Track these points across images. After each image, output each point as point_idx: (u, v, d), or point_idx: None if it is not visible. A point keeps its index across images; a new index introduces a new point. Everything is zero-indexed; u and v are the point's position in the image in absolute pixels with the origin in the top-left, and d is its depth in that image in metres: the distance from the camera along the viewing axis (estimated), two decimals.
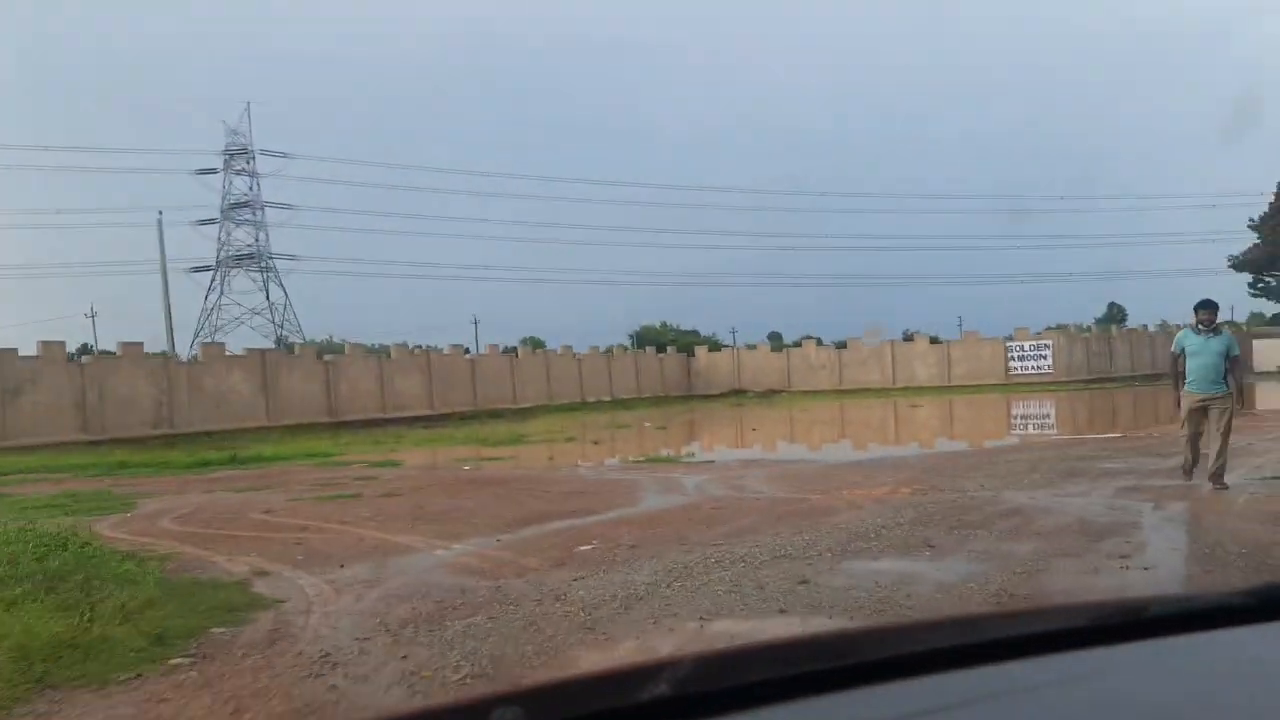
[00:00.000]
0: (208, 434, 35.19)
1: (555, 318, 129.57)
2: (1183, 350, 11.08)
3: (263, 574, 8.84)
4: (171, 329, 48.20)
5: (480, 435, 33.54)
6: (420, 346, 49.35)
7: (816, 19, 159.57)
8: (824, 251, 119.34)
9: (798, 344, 67.49)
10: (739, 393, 63.05)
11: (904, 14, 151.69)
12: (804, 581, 7.02)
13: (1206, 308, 11.06)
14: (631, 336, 75.53)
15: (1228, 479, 11.53)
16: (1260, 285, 76.68)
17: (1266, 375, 58.31)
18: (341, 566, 9.03)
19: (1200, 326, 10.98)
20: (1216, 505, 10.09)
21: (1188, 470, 11.47)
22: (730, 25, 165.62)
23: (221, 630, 6.67)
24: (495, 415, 47.17)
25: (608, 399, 57.18)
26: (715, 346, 71.42)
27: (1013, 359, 58.50)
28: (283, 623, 6.92)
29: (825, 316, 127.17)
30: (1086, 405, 38.34)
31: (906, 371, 60.74)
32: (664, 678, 1.08)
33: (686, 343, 72.01)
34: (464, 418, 46.34)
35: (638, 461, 20.74)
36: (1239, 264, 76.19)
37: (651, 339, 73.31)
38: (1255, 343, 64.07)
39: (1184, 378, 11.03)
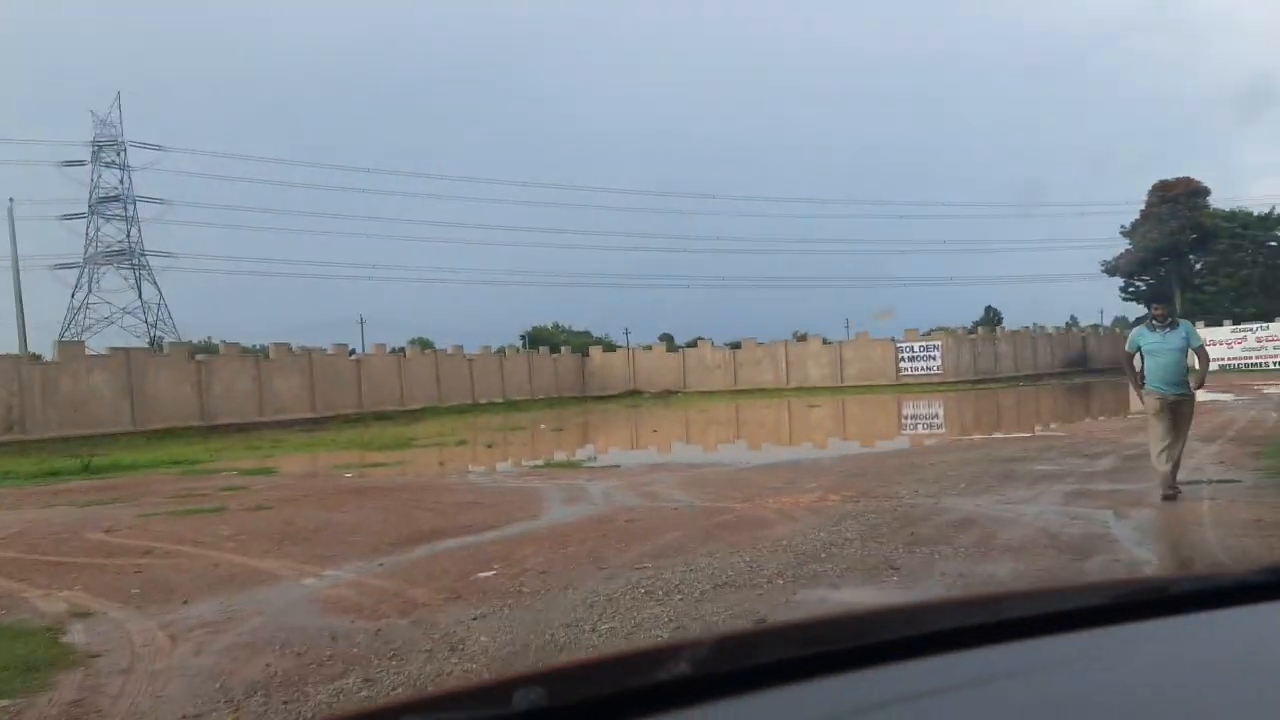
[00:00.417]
0: (64, 440, 32.17)
1: (446, 319, 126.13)
2: (1138, 349, 10.01)
3: (83, 615, 7.10)
4: (24, 327, 44.31)
5: (365, 439, 31.46)
6: (303, 347, 46.54)
7: (709, 21, 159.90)
8: (715, 253, 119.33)
9: (692, 344, 66.70)
10: (635, 394, 61.92)
11: (793, 21, 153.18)
12: (761, 620, 5.69)
13: (1161, 302, 10.35)
14: (523, 337, 73.63)
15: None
16: (1131, 289, 79.33)
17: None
18: (185, 603, 7.36)
19: (1154, 323, 10.00)
20: (1183, 514, 9.19)
21: (1171, 485, 9.80)
22: (626, 26, 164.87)
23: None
24: (382, 418, 44.88)
25: (500, 400, 55.29)
26: (609, 347, 70.06)
27: (903, 359, 58.85)
28: (90, 690, 5.26)
29: (716, 318, 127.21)
30: (982, 404, 38.35)
31: (800, 372, 60.59)
32: (685, 657, 1.08)
33: (580, 344, 70.47)
34: (348, 421, 43.95)
35: (536, 467, 19.24)
36: (1111, 269, 78.75)
37: (543, 340, 71.53)
38: None
39: (1144, 378, 10.01)
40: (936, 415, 33.90)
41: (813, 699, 1.08)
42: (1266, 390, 37.31)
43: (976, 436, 21.32)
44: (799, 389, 58.27)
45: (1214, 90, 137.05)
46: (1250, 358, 59.01)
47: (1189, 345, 9.86)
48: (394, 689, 4.89)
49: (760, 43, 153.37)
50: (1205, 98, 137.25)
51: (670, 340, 71.47)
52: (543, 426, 35.42)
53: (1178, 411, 9.80)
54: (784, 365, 61.12)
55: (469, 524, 11.09)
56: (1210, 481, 11.02)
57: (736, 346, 63.61)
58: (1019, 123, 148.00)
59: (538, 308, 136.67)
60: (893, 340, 59.47)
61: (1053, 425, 24.76)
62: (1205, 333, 62.58)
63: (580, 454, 22.76)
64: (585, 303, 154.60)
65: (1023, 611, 1.34)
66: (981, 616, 1.31)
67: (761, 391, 58.34)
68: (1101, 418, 27.20)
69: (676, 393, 60.91)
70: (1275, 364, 57.59)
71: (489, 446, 26.76)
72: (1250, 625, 1.36)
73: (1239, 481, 10.77)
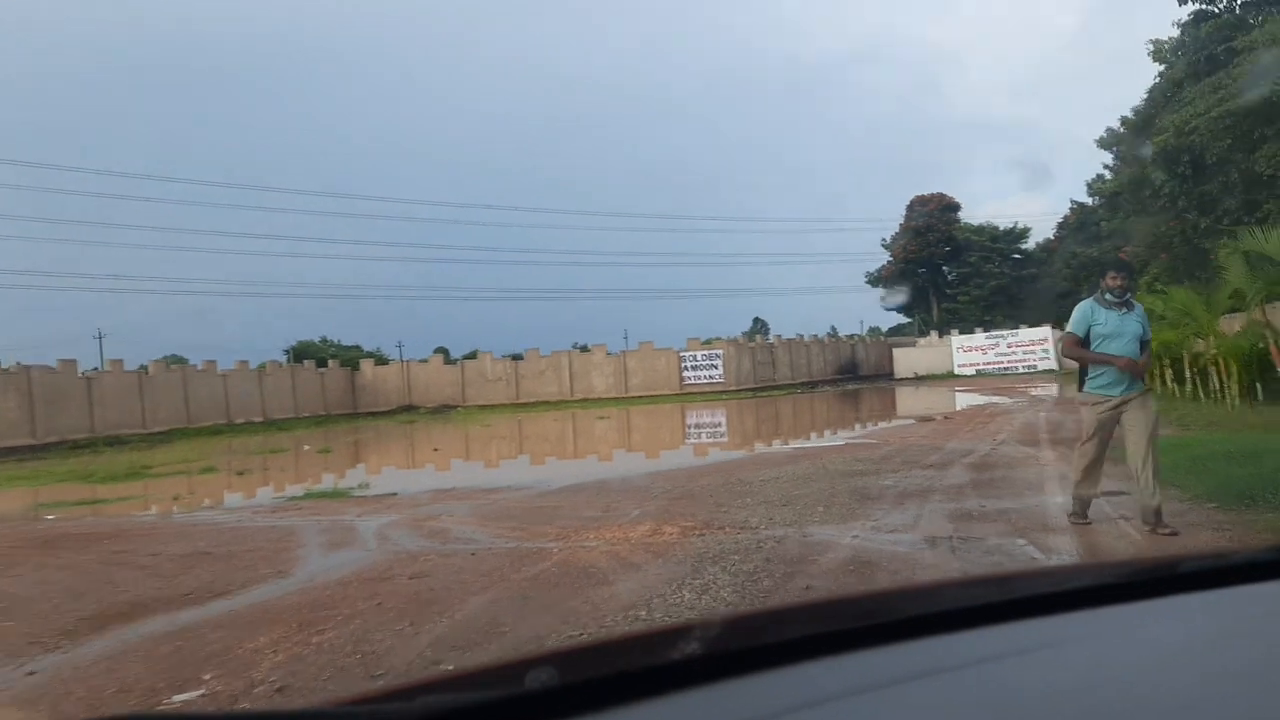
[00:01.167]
0: None
1: (204, 334, 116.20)
2: (1088, 331, 7.57)
3: None
4: None
5: (91, 469, 26.63)
6: (20, 364, 40.01)
7: (493, 36, 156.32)
8: (493, 265, 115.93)
9: (471, 356, 63.43)
10: (410, 409, 58.04)
11: (583, 32, 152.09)
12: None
13: (1121, 270, 7.79)
14: (287, 352, 67.79)
15: (1060, 499, 9.15)
16: (891, 299, 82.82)
17: (906, 381, 62.18)
18: None
19: (1110, 297, 7.56)
20: (1112, 538, 7.47)
21: (1081, 510, 7.94)
22: (406, 33, 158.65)
23: None
24: (118, 443, 39.16)
25: (260, 420, 50.13)
26: (381, 361, 65.60)
27: (686, 369, 58.17)
28: None
29: (496, 331, 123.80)
30: (773, 411, 37.55)
31: (584, 383, 58.73)
32: (696, 636, 1.08)
33: (350, 358, 65.54)
34: (76, 446, 38.06)
35: (295, 498, 15.93)
36: (873, 280, 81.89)
37: (310, 355, 66.05)
38: (895, 351, 68.61)
39: (1083, 375, 7.80)
40: (735, 423, 32.64)
41: (823, 676, 1.09)
42: (1033, 392, 38.58)
43: (791, 446, 19.76)
44: (584, 400, 56.39)
45: (965, 117, 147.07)
46: (1003, 362, 62.34)
47: (1145, 335, 7.59)
48: None
49: (541, 60, 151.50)
50: (958, 123, 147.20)
51: (447, 354, 67.83)
52: (306, 447, 31.48)
53: (1130, 413, 7.49)
54: (568, 376, 59.09)
55: (190, 589, 8.03)
56: (1110, 494, 9.41)
57: (519, 358, 60.96)
58: (787, 141, 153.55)
59: (305, 322, 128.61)
60: (676, 350, 58.67)
61: (856, 431, 23.76)
62: (962, 339, 66.07)
63: (350, 479, 19.51)
64: (356, 316, 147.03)
65: (1032, 590, 1.37)
66: (991, 595, 1.34)
67: (546, 404, 56.04)
68: (895, 421, 26.55)
69: (455, 407, 57.55)
70: (1024, 368, 61.09)
71: (241, 474, 22.92)
72: (1260, 602, 1.38)
73: (1125, 493, 9.26)
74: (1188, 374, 24.22)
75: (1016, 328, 64.55)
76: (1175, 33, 28.01)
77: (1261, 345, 18.49)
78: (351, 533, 10.79)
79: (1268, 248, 13.68)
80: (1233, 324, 21.49)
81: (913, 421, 24.87)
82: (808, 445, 19.18)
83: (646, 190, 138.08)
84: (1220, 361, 19.45)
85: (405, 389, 60.55)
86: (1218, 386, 20.17)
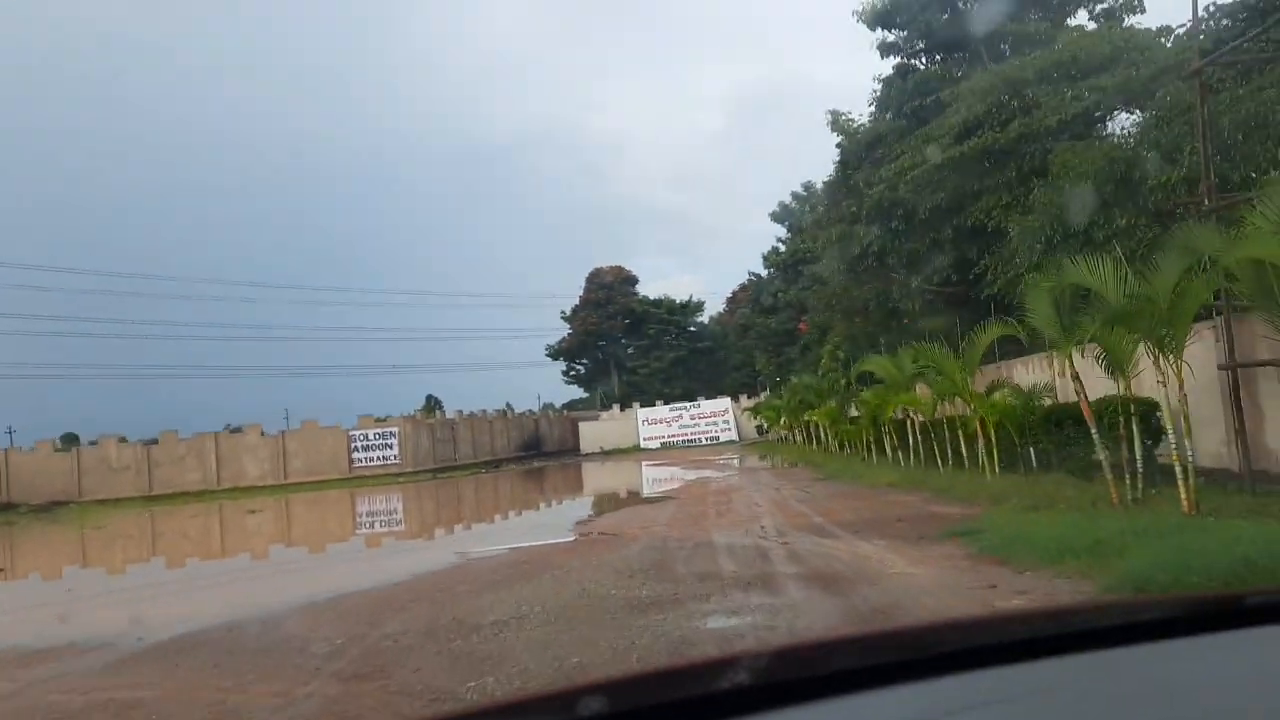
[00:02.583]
0: None
1: None
2: None
3: None
4: None
5: None
6: None
7: (123, 96, 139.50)
8: (127, 340, 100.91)
9: (94, 443, 52.71)
10: (8, 508, 46.69)
11: (263, 110, 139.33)
12: None
13: None
14: None
15: None
16: (572, 373, 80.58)
17: (593, 456, 59.36)
18: None
19: None
20: None
21: None
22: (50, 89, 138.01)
23: None
24: None
25: None
26: None
27: (356, 449, 51.59)
28: None
29: (131, 412, 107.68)
30: (463, 496, 32.48)
31: (234, 468, 50.35)
32: (744, 666, 1.10)
33: None
34: None
35: None
36: (554, 353, 79.29)
37: None
38: (580, 425, 65.77)
39: None
40: (422, 513, 27.28)
41: (871, 709, 1.09)
42: (734, 463, 36.48)
43: (505, 546, 14.98)
44: (233, 490, 48.12)
45: (631, 202, 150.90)
46: (687, 434, 61.26)
47: None
48: None
49: (216, 130, 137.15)
50: (626, 207, 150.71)
51: (77, 439, 56.17)
52: None
53: None
54: (214, 462, 50.43)
55: None
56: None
57: (154, 442, 51.37)
58: (465, 219, 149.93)
59: None
60: (344, 429, 51.98)
61: (576, 518, 19.52)
62: (646, 412, 64.48)
63: None
64: None
65: (1090, 624, 1.36)
66: (1046, 629, 1.33)
67: (186, 495, 47.12)
68: (618, 507, 22.66)
69: (68, 503, 47.01)
70: (708, 439, 60.35)
71: None
72: None
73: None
74: (913, 438, 22.57)
75: (697, 400, 64.04)
76: (875, 88, 27.41)
77: (1040, 402, 16.46)
78: None
79: (1091, 281, 11.19)
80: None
81: (639, 506, 21.04)
82: (527, 544, 14.60)
83: (322, 266, 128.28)
84: (981, 426, 17.32)
85: (3, 483, 48.95)
86: (978, 451, 18.09)
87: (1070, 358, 12.51)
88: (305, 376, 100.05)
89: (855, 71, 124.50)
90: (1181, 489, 10.92)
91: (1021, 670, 1.17)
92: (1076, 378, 12.60)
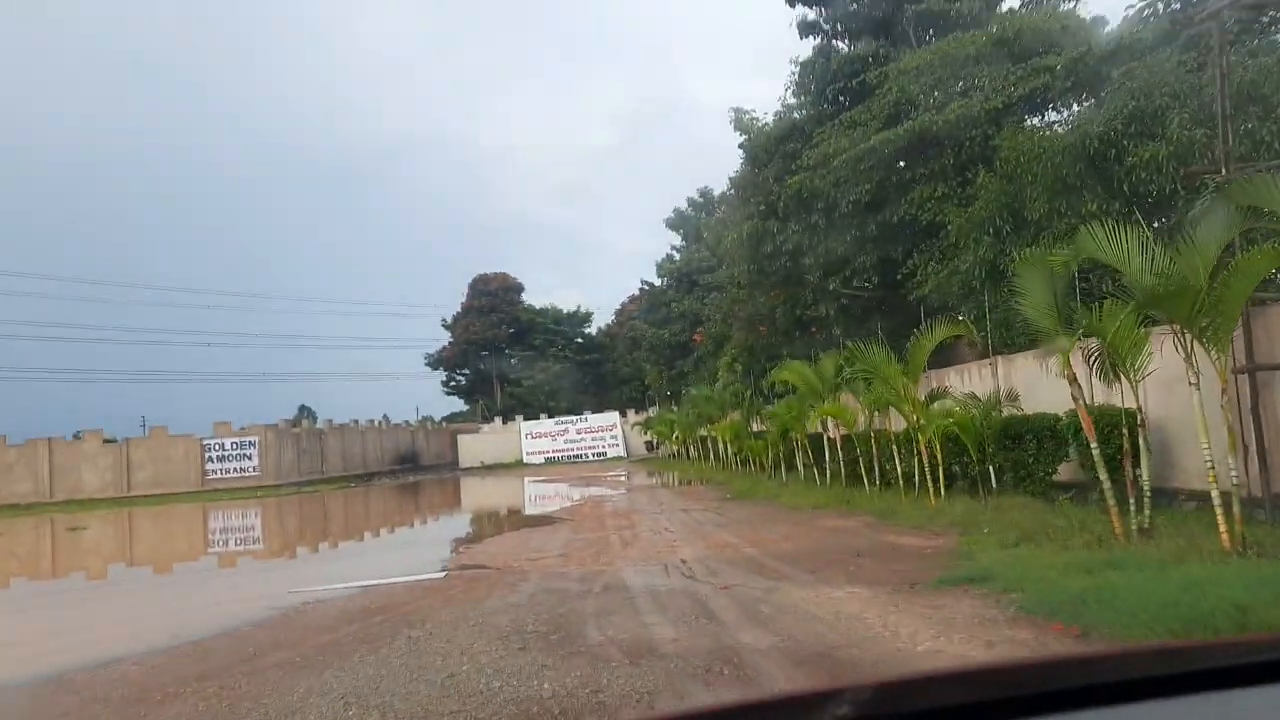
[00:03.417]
0: None
1: None
2: None
3: None
4: None
5: None
6: None
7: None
8: None
9: None
10: None
11: (122, 107, 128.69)
12: None
13: None
14: None
15: None
16: (453, 383, 76.47)
17: (473, 471, 55.65)
18: None
19: None
20: None
21: None
22: None
23: None
24: None
25: None
26: None
27: (211, 460, 46.76)
28: None
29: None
30: (323, 513, 28.65)
31: (71, 479, 44.91)
32: (847, 699, 1.08)
33: None
34: None
35: None
36: (434, 363, 75.11)
37: None
38: (460, 439, 61.87)
39: None
40: (268, 537, 23.46)
41: None
42: (628, 480, 33.61)
43: (356, 584, 11.62)
44: (68, 502, 42.80)
45: (520, 214, 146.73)
46: (573, 449, 58.12)
47: None
48: None
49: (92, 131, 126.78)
50: (514, 220, 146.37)
51: None
52: None
53: None
54: (47, 471, 44.89)
55: None
56: None
57: None
58: (343, 225, 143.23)
59: None
60: (199, 438, 47.09)
61: (451, 541, 16.27)
62: (530, 426, 61.02)
63: None
64: None
65: (1210, 663, 1.28)
66: (1161, 668, 1.27)
67: (14, 508, 41.52)
68: (501, 529, 19.53)
69: None
70: (595, 455, 57.34)
71: None
72: None
73: None
74: (829, 454, 20.12)
75: (584, 413, 61.01)
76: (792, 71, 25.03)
77: (988, 415, 14.05)
78: None
79: (1111, 255, 8.75)
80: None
81: (525, 529, 17.95)
82: (384, 582, 11.33)
83: (198, 266, 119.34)
84: (923, 441, 14.85)
85: None
86: (914, 470, 15.64)
87: (1068, 357, 10.04)
88: (164, 382, 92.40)
89: (747, 97, 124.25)
90: (1221, 521, 8.54)
91: (1132, 712, 1.13)
92: (1075, 380, 10.15)
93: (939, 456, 14.73)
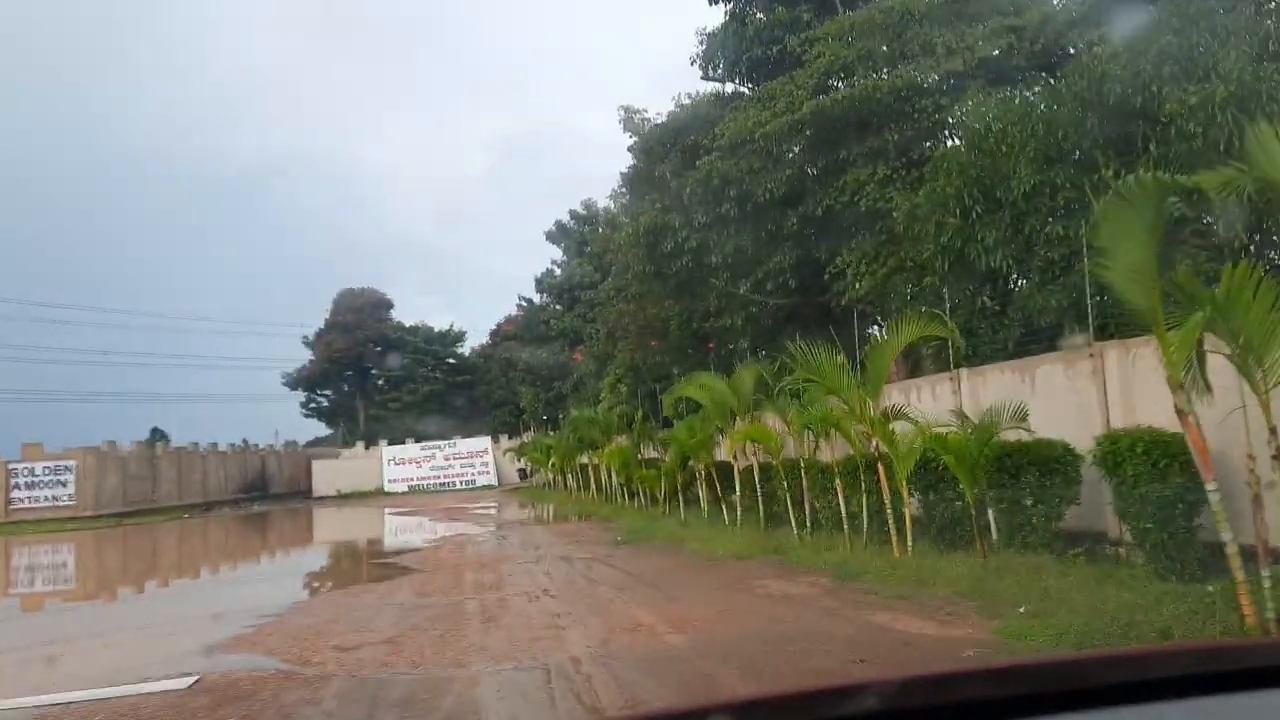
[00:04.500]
0: None
1: None
2: None
3: None
4: None
5: None
6: None
7: None
8: None
9: None
10: None
11: None
12: None
13: None
14: None
15: None
16: (313, 405, 70.16)
17: (329, 499, 49.95)
18: None
19: None
20: None
21: None
22: None
23: None
24: None
25: None
26: None
27: (18, 488, 40.01)
28: None
29: None
30: (128, 556, 23.24)
31: None
32: (873, 693, 1.09)
33: None
34: None
35: None
36: (293, 382, 68.68)
37: None
38: (315, 464, 55.93)
39: None
40: (51, 590, 18.14)
41: None
42: (499, 514, 29.19)
43: (64, 704, 7.08)
44: None
45: (393, 236, 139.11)
46: (439, 477, 53.07)
47: None
48: None
49: None
50: (387, 241, 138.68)
51: None
52: None
53: None
54: None
55: None
56: None
57: None
58: (211, 244, 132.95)
59: None
60: (3, 461, 40.31)
61: (241, 624, 11.70)
62: (394, 451, 55.60)
63: None
64: None
65: (1251, 663, 1.27)
66: (1202, 666, 1.24)
67: None
68: (320, 599, 15.01)
69: None
70: (464, 483, 52.39)
71: None
72: None
73: None
74: (739, 486, 16.29)
75: (453, 439, 55.99)
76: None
77: (996, 437, 10.38)
78: None
79: None
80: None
81: (354, 587, 13.50)
82: (96, 695, 6.86)
83: (45, 282, 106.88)
84: (885, 471, 11.17)
85: None
86: (863, 509, 11.92)
87: (1200, 345, 6.44)
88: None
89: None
90: None
91: (1168, 709, 1.12)
92: (1208, 386, 6.57)
93: (905, 494, 11.10)
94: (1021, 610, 7.39)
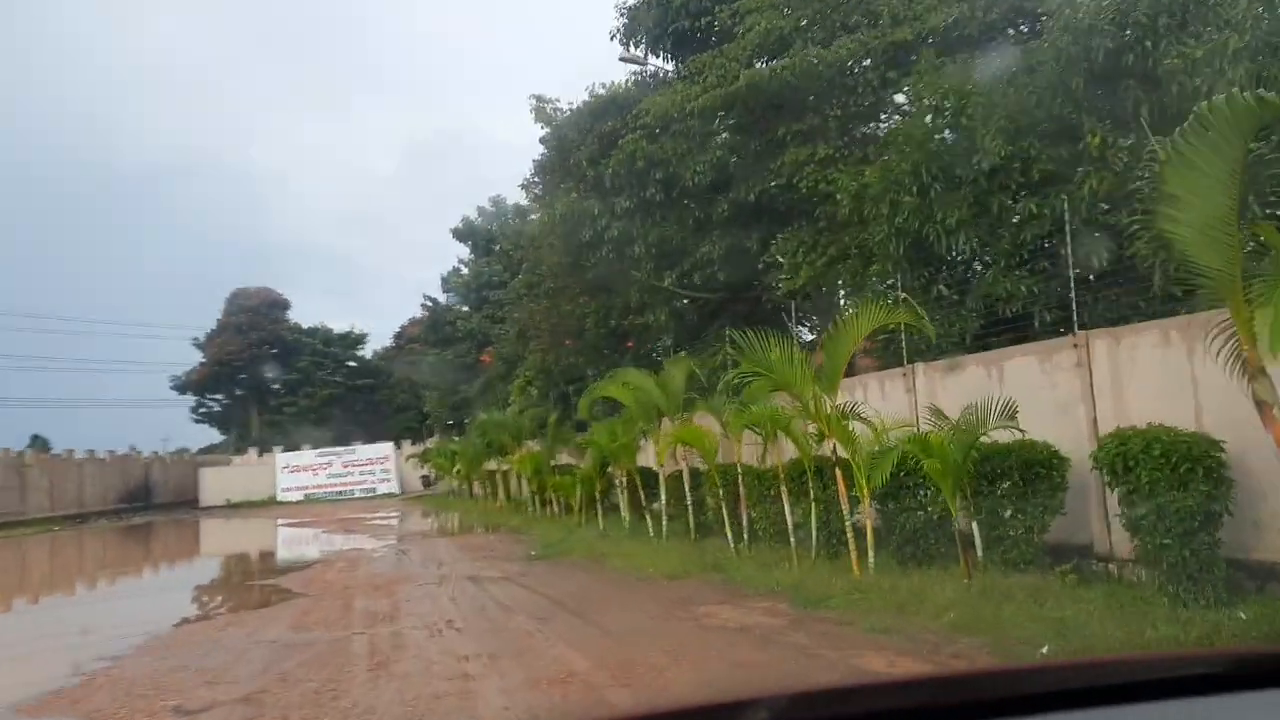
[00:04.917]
0: None
1: None
2: None
3: None
4: None
5: None
6: None
7: None
8: None
9: None
10: None
11: None
12: None
13: None
14: None
15: None
16: (203, 409, 66.13)
17: (217, 509, 46.60)
18: None
19: None
20: None
21: None
22: None
23: None
24: None
25: None
26: None
27: None
28: None
29: None
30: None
31: None
32: (765, 706, 1.05)
33: None
34: None
35: None
36: (182, 386, 64.61)
37: None
38: (203, 472, 52.37)
39: None
40: None
41: None
42: (399, 524, 27.00)
43: None
44: None
45: (293, 239, 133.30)
46: (337, 485, 50.17)
47: None
48: None
49: None
50: (286, 244, 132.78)
51: None
52: None
53: None
54: None
55: None
56: None
57: None
58: (99, 246, 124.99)
59: None
60: None
61: (74, 679, 9.58)
62: (289, 458, 52.39)
63: None
64: None
65: (1128, 677, 1.23)
66: (1077, 681, 1.21)
67: None
68: (180, 633, 12.85)
69: None
70: (363, 491, 49.63)
71: None
72: None
73: None
74: (665, 494, 14.66)
75: (352, 445, 53.14)
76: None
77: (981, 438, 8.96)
78: None
79: None
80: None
81: (221, 619, 11.42)
82: None
83: None
84: (843, 475, 9.69)
85: None
86: (812, 520, 10.44)
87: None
88: None
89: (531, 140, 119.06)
90: None
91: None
92: (1263, 372, 5.22)
93: (867, 502, 9.67)
94: (1044, 651, 5.96)
